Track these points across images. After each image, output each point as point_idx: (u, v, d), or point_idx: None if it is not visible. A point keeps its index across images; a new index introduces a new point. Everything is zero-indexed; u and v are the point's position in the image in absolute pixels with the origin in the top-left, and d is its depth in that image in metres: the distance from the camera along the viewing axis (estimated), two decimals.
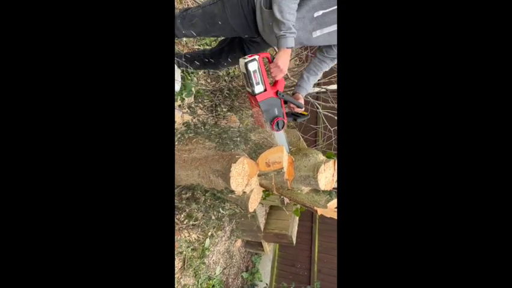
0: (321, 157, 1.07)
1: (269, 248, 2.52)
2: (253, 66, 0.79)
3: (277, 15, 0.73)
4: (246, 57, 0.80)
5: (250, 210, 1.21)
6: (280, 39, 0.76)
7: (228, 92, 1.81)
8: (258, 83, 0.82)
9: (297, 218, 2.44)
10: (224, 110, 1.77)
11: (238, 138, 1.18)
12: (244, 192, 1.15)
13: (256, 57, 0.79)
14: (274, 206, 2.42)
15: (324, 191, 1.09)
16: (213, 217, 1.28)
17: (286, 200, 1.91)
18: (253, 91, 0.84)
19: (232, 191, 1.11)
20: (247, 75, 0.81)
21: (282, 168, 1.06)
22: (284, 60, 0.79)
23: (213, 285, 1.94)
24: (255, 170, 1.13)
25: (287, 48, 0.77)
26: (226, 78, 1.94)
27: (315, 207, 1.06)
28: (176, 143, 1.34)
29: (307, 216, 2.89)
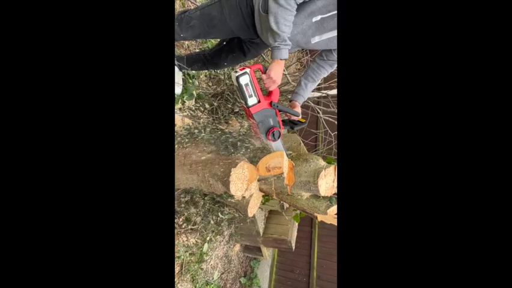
0: (322, 163, 1.06)
1: (268, 253, 2.49)
2: (244, 80, 0.79)
3: (273, 26, 0.72)
4: (237, 70, 0.79)
5: (250, 215, 1.19)
6: (274, 50, 0.75)
7: (228, 94, 1.81)
8: (250, 96, 0.82)
9: (297, 223, 2.42)
10: (225, 113, 1.77)
11: (239, 143, 1.18)
12: (244, 197, 1.14)
13: (248, 70, 0.79)
14: (274, 210, 2.40)
15: (324, 197, 1.08)
16: (212, 221, 1.26)
17: (286, 205, 1.90)
18: (246, 104, 0.84)
19: (232, 196, 1.10)
20: (239, 88, 0.81)
21: (282, 173, 1.06)
22: (277, 72, 0.78)
23: None
24: (255, 175, 1.12)
25: (280, 59, 0.76)
26: (227, 81, 1.94)
27: (315, 214, 1.05)
28: (176, 146, 1.34)
29: (307, 221, 2.87)
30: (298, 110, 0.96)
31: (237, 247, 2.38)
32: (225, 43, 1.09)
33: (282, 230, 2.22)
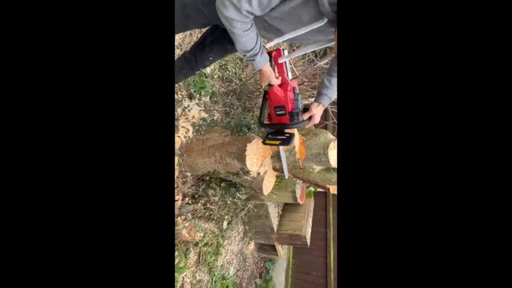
0: (331, 136, 1.13)
1: (283, 252, 2.47)
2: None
3: (238, 49, 0.69)
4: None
5: (265, 192, 1.26)
6: (251, 63, 0.73)
7: (239, 93, 1.96)
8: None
9: (310, 219, 2.41)
10: (237, 108, 1.89)
11: (253, 125, 1.28)
12: (259, 174, 1.22)
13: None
14: (287, 208, 2.42)
15: (334, 169, 1.13)
16: (229, 201, 1.33)
17: (299, 196, 1.93)
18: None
19: (248, 172, 1.17)
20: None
21: (294, 147, 1.14)
22: (262, 78, 0.77)
23: (227, 286, 1.91)
24: (269, 151, 1.20)
25: (260, 69, 0.73)
26: (238, 82, 2.10)
27: (327, 185, 1.11)
28: (194, 134, 1.45)
29: (321, 222, 2.83)
30: (317, 115, 0.83)
31: (252, 245, 2.38)
32: (207, 34, 0.97)
33: (296, 226, 2.22)
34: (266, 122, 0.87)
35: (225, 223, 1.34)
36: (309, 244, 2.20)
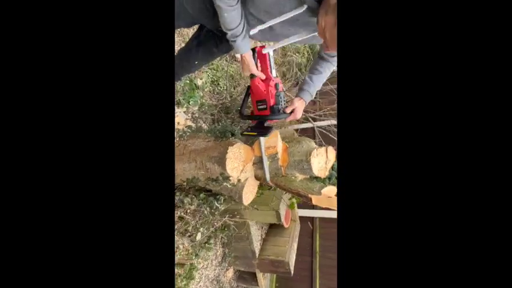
0: (314, 144, 1.12)
1: (264, 281, 2.24)
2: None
3: (222, 27, 0.69)
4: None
5: (245, 202, 1.18)
6: (233, 46, 0.72)
7: (228, 107, 1.98)
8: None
9: (295, 245, 2.25)
10: (226, 123, 1.89)
11: (236, 130, 1.26)
12: (239, 180, 1.16)
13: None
14: (271, 231, 2.27)
15: (317, 178, 1.10)
16: (206, 211, 1.24)
17: (283, 216, 1.83)
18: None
19: (228, 178, 1.11)
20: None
21: (277, 153, 1.11)
22: (244, 67, 0.78)
23: None
24: (251, 156, 1.16)
25: (242, 54, 0.74)
26: (229, 97, 2.14)
27: (310, 195, 1.06)
28: (177, 139, 1.41)
29: (307, 250, 2.66)
30: (298, 109, 0.84)
31: (230, 273, 2.15)
32: (193, 39, 0.96)
33: (279, 251, 2.06)
34: (247, 114, 0.86)
35: (199, 235, 1.22)
36: (292, 272, 2.02)
